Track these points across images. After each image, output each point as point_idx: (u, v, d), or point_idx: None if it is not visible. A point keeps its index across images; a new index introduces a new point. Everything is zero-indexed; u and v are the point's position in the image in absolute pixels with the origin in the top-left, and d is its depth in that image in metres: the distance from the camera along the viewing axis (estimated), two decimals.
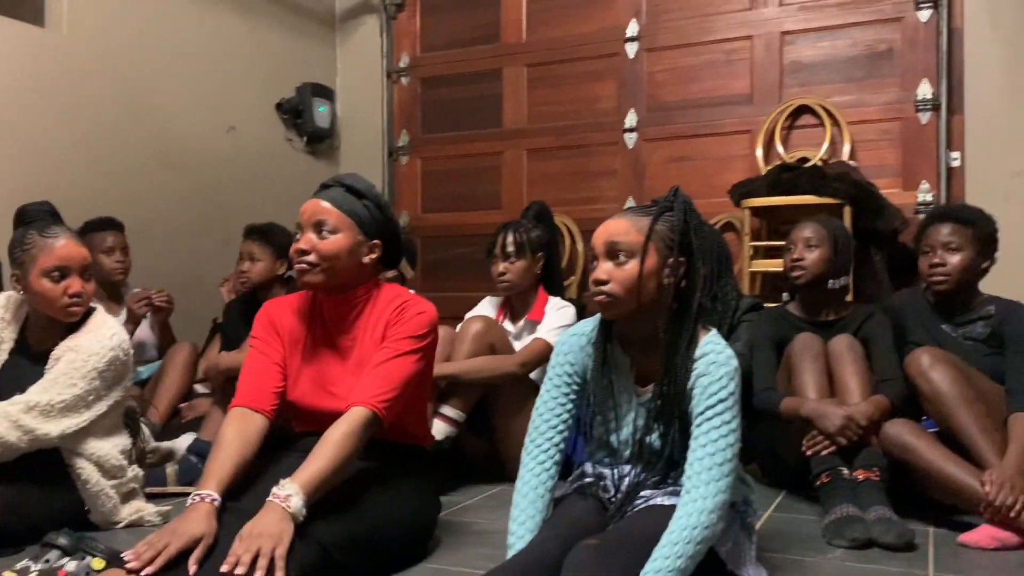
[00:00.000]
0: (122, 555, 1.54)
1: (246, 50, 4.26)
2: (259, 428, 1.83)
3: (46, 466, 2.05)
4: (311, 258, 1.85)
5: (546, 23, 4.42)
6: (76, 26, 3.45)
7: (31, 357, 2.14)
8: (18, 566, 1.65)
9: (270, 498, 1.61)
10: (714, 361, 1.59)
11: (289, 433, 1.98)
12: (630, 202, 4.13)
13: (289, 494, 1.61)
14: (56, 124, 3.36)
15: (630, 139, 4.22)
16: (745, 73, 4.00)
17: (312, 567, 1.60)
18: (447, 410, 2.53)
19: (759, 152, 3.84)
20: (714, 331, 1.65)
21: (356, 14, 4.81)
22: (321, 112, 4.59)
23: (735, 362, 1.61)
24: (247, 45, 4.27)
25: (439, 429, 2.49)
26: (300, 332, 1.96)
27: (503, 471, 2.60)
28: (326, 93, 4.65)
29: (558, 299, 2.86)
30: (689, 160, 4.11)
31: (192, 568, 1.53)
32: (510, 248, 2.81)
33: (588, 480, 1.74)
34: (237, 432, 1.80)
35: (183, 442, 2.83)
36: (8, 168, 3.17)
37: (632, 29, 4.22)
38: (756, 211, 3.56)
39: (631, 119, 4.21)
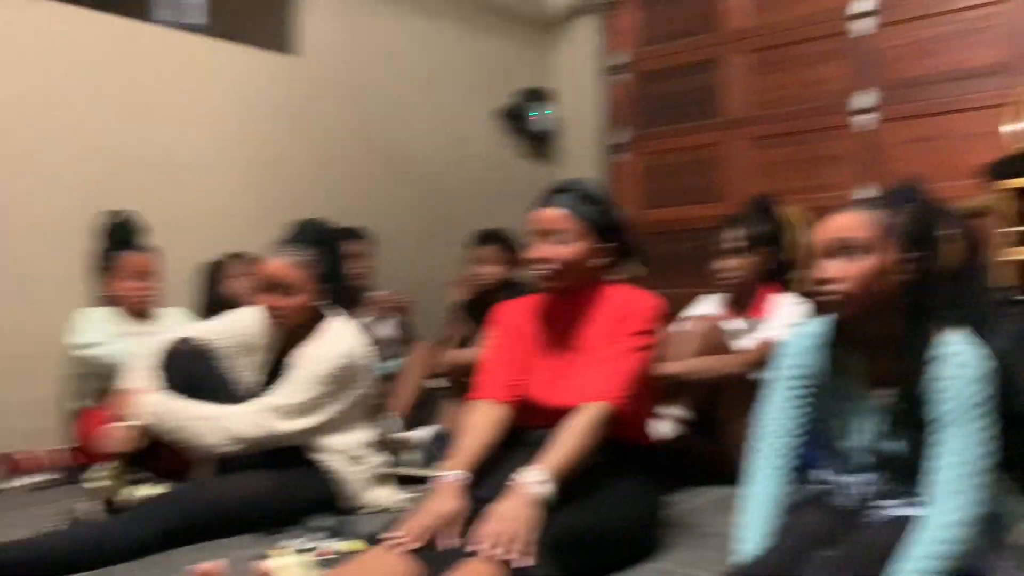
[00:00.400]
0: (380, 535, 1.63)
1: (467, 61, 4.46)
2: (499, 418, 1.92)
3: (300, 456, 2.28)
4: (550, 265, 1.91)
5: (768, 6, 4.25)
6: (316, 52, 3.79)
7: (283, 362, 2.37)
8: (284, 544, 1.85)
9: (516, 482, 1.67)
10: (963, 363, 1.46)
11: (519, 427, 2.05)
12: (865, 190, 3.87)
13: (538, 479, 1.66)
14: (300, 144, 3.72)
15: (865, 121, 3.96)
16: (997, 42, 3.62)
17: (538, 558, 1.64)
18: (670, 410, 2.52)
19: (1015, 127, 3.45)
20: (962, 329, 1.52)
21: (572, 15, 4.87)
22: (540, 115, 4.70)
23: (988, 363, 1.47)
24: (468, 56, 4.46)
25: (662, 429, 2.48)
26: (532, 331, 2.03)
27: (729, 473, 2.52)
28: (544, 96, 4.76)
29: (786, 295, 2.75)
30: (932, 140, 3.78)
31: (446, 543, 1.60)
32: (733, 244, 2.74)
33: (821, 487, 1.66)
34: (479, 421, 1.90)
35: (423, 432, 3.03)
36: (260, 186, 3.54)
37: (865, 4, 3.95)
38: (1016, 193, 3.21)
39: (866, 99, 3.95)
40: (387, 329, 3.58)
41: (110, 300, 2.99)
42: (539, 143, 4.81)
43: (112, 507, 2.12)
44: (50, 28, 2.99)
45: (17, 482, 2.76)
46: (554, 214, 1.92)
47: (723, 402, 2.58)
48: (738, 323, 2.80)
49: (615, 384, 1.83)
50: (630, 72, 4.73)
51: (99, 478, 2.13)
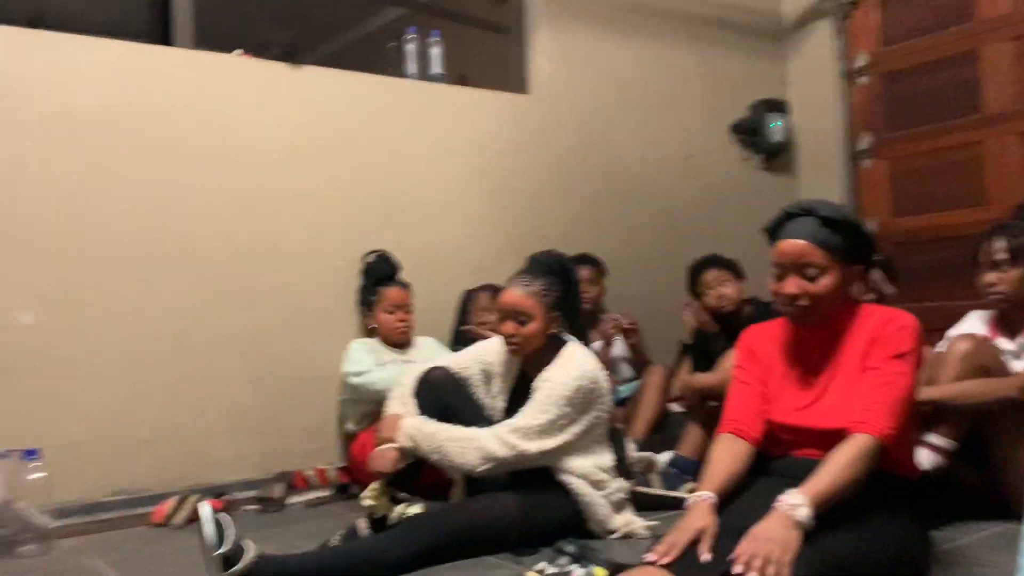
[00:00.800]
0: (645, 556, 1.67)
1: (697, 78, 4.41)
2: (746, 451, 1.91)
3: (548, 479, 2.36)
4: (804, 303, 1.86)
5: None
6: (546, 88, 3.93)
7: (527, 385, 2.46)
8: (537, 567, 1.93)
9: (776, 504, 1.66)
10: None
11: (768, 455, 2.01)
12: None
13: (797, 503, 1.64)
14: (537, 177, 3.86)
15: None
16: None
17: None
18: (934, 438, 2.32)
19: None
20: None
21: (806, 21, 4.68)
22: (776, 127, 4.56)
23: None
24: (698, 73, 4.42)
25: (925, 458, 2.29)
26: (780, 356, 1.99)
27: (1006, 507, 2.30)
28: (780, 107, 4.61)
29: None
30: None
31: (705, 556, 1.62)
32: (1001, 255, 2.48)
33: None
34: (726, 451, 1.91)
35: (662, 457, 3.02)
36: (501, 220, 3.72)
37: None
38: None
39: None
40: (618, 350, 3.63)
41: (373, 331, 3.28)
42: (776, 156, 4.65)
43: (377, 524, 2.31)
44: (315, 89, 3.35)
45: (297, 498, 3.07)
46: (798, 247, 1.85)
47: (999, 430, 2.34)
48: (1011, 343, 2.53)
49: (884, 417, 1.76)
50: (872, 74, 4.45)
51: (368, 496, 2.33)
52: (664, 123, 4.29)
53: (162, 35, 3.17)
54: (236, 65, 3.22)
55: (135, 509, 2.85)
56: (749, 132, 4.55)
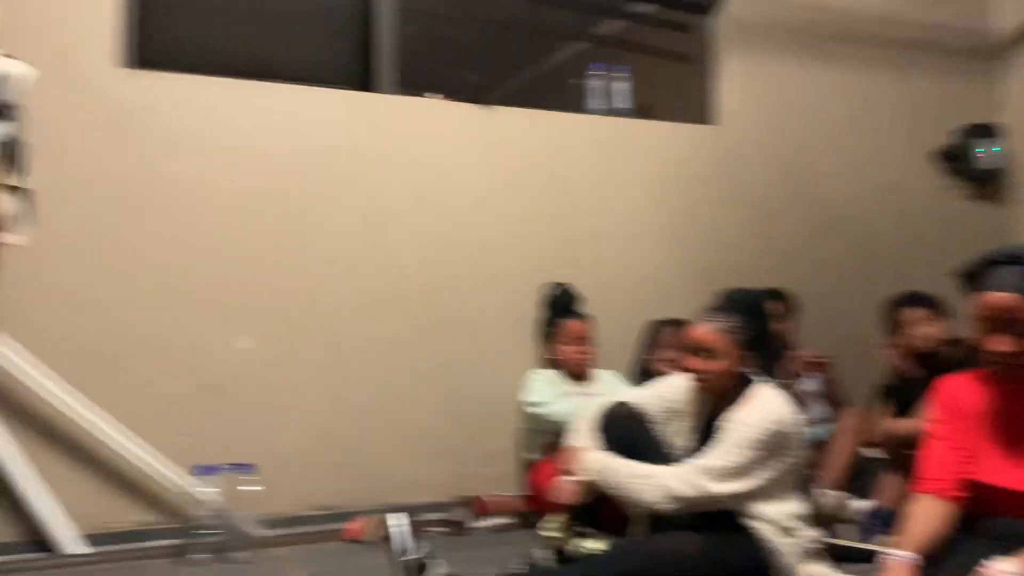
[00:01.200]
0: None
1: (894, 103, 4.21)
2: (947, 512, 1.80)
3: (733, 522, 2.29)
4: (1012, 361, 1.73)
5: None
6: (735, 119, 3.88)
7: (712, 425, 2.41)
8: None
9: (983, 570, 1.58)
10: None
11: (973, 516, 1.87)
12: None
13: (1009, 570, 1.55)
14: (723, 209, 3.81)
15: None
16: None
17: None
18: None
19: None
20: None
21: (1021, 39, 4.32)
22: (985, 153, 4.24)
23: None
24: (894, 98, 4.21)
25: None
26: (986, 409, 1.85)
27: None
28: (992, 131, 4.28)
29: None
30: None
31: None
32: None
33: None
34: (926, 510, 1.81)
35: (860, 505, 2.86)
36: (686, 252, 3.69)
37: None
38: None
39: None
40: (810, 385, 3.47)
41: (553, 362, 3.33)
42: (987, 184, 4.32)
43: (561, 557, 2.32)
44: (505, 128, 3.48)
45: (480, 522, 3.15)
46: (1008, 301, 1.70)
47: None
48: None
49: None
50: None
51: (550, 528, 2.36)
52: (859, 151, 4.10)
53: (363, 80, 3.41)
54: (433, 108, 3.41)
55: (331, 524, 3.03)
56: (953, 159, 4.26)
